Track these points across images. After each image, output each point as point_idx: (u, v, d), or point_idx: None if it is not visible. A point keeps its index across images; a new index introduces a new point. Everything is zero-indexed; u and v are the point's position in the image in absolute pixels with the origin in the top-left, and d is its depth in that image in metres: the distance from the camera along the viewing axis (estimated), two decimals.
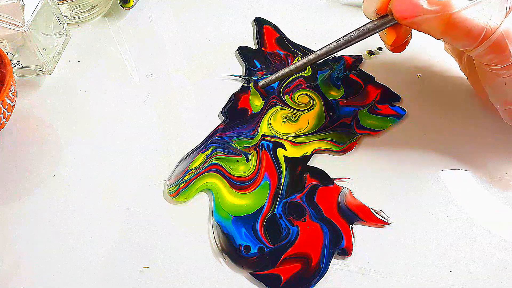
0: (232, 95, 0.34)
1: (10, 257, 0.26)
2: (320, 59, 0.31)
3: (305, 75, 0.35)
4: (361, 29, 0.28)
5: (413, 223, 0.27)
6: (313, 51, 0.36)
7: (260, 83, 0.33)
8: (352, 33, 0.29)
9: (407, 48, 0.30)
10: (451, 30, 0.24)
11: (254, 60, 0.36)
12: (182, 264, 0.26)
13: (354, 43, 0.29)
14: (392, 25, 0.27)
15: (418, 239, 0.26)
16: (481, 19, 0.24)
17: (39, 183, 0.30)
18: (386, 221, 0.27)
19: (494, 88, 0.27)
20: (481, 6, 0.24)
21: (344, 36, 0.29)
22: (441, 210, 0.27)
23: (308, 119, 0.32)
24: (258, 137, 0.31)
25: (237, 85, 0.35)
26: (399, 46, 0.29)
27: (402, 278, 0.25)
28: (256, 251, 0.26)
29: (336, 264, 0.25)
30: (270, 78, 0.33)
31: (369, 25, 0.28)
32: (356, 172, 0.29)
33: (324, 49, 0.30)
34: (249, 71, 0.35)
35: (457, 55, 0.32)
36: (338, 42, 0.29)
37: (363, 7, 0.28)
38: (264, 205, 0.28)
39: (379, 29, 0.28)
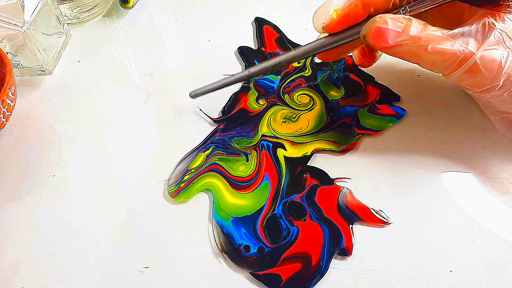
0: (232, 95, 0.34)
1: (10, 257, 0.26)
2: (270, 71, 0.30)
3: (305, 75, 0.35)
4: (316, 43, 0.27)
5: (413, 223, 0.27)
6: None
7: (192, 93, 0.30)
8: (307, 45, 0.27)
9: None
10: (426, 57, 0.25)
11: (254, 60, 0.36)
12: (182, 264, 0.26)
13: (311, 56, 0.28)
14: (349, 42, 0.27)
15: (418, 239, 0.26)
16: (456, 46, 0.24)
17: (39, 183, 0.30)
18: (386, 221, 0.27)
19: (481, 103, 0.28)
20: (460, 32, 0.24)
21: (305, 45, 0.28)
22: (441, 210, 0.27)
23: (308, 119, 0.32)
24: (258, 137, 0.31)
25: (237, 85, 0.34)
26: (367, 61, 0.30)
27: (402, 278, 0.25)
28: (256, 251, 0.26)
29: (336, 264, 0.25)
30: (204, 88, 0.30)
31: (327, 39, 0.27)
32: (356, 172, 0.29)
33: (271, 62, 0.28)
34: None
35: None
36: (288, 54, 0.28)
37: (313, 18, 0.27)
38: (264, 205, 0.28)
39: (335, 44, 0.27)
